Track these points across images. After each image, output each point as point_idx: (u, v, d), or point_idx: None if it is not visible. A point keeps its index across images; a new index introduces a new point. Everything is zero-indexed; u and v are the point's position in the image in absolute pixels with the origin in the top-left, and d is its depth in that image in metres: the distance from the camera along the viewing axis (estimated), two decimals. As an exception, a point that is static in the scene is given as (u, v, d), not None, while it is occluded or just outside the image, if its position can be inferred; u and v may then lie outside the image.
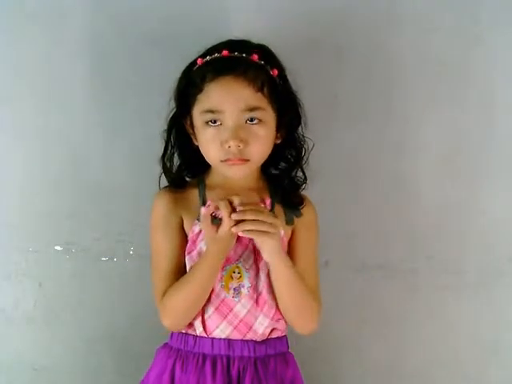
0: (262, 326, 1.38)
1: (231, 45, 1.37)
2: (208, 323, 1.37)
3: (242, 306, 1.37)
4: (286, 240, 1.42)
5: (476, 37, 1.71)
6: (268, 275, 1.38)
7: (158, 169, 1.45)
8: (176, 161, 1.46)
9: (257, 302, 1.38)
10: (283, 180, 1.46)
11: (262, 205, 1.40)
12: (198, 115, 1.37)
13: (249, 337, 1.38)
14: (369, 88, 1.72)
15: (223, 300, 1.37)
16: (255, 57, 1.35)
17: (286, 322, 1.42)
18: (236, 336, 1.37)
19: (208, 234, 1.31)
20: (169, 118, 1.44)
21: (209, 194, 1.42)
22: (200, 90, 1.35)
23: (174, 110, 1.44)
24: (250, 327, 1.38)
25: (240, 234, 1.28)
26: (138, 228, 1.68)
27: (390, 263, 1.74)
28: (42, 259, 1.72)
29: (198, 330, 1.38)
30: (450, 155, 1.74)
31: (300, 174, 1.47)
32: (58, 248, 1.72)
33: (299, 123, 1.44)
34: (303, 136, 1.46)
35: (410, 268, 1.74)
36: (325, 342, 1.71)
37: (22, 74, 1.70)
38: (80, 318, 1.73)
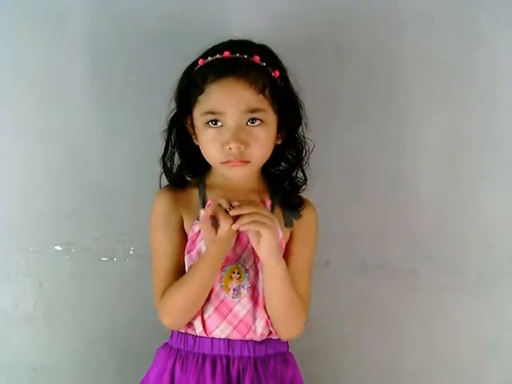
0: (261, 326, 1.38)
1: (233, 45, 1.36)
2: (208, 323, 1.37)
3: (241, 306, 1.37)
4: (284, 242, 1.41)
5: (476, 37, 1.71)
6: (266, 276, 1.38)
7: (158, 169, 1.45)
8: (176, 160, 1.46)
9: (256, 302, 1.38)
10: (283, 181, 1.46)
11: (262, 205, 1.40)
12: (198, 116, 1.36)
13: (248, 337, 1.38)
14: (369, 88, 1.72)
15: (223, 300, 1.37)
16: (257, 58, 1.34)
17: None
18: (236, 336, 1.37)
19: (208, 235, 1.31)
20: (169, 118, 1.44)
21: (209, 194, 1.42)
22: (201, 91, 1.34)
23: (175, 110, 1.43)
24: (250, 327, 1.37)
25: (240, 229, 1.28)
26: (137, 228, 1.68)
27: (390, 263, 1.74)
28: (42, 259, 1.72)
29: (198, 329, 1.38)
30: (450, 155, 1.74)
31: (300, 174, 1.46)
32: (57, 248, 1.72)
33: (300, 124, 1.44)
34: (304, 137, 1.46)
35: (409, 268, 1.74)
36: (325, 342, 1.71)
37: (22, 74, 1.70)
38: (80, 318, 1.73)
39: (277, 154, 1.44)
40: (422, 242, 1.74)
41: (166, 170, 1.44)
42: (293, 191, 1.46)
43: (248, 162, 1.35)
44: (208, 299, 1.36)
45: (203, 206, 1.39)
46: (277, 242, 1.32)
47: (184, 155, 1.46)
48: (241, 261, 1.38)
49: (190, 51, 1.39)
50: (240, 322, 1.37)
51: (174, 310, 1.37)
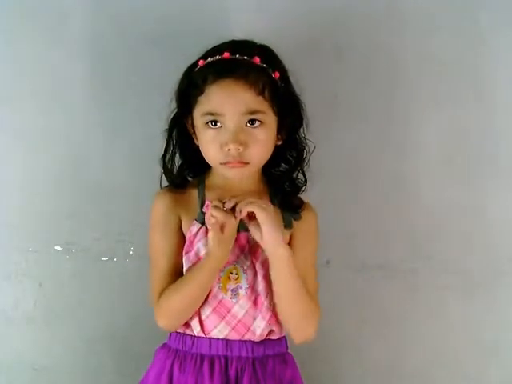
0: (259, 327, 1.38)
1: (233, 46, 1.36)
2: (206, 323, 1.37)
3: (239, 306, 1.37)
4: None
5: (476, 37, 1.71)
6: (265, 277, 1.37)
7: (158, 169, 1.45)
8: (177, 161, 1.46)
9: (255, 302, 1.37)
10: (284, 182, 1.45)
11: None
12: (198, 116, 1.36)
13: (247, 337, 1.38)
14: (369, 88, 1.72)
15: (221, 301, 1.37)
16: (257, 59, 1.34)
17: (281, 327, 1.41)
18: (234, 336, 1.37)
19: (215, 235, 1.30)
20: (170, 118, 1.44)
21: (208, 195, 1.42)
22: (201, 92, 1.34)
23: (176, 110, 1.43)
24: (248, 328, 1.37)
25: (243, 212, 1.29)
26: (137, 228, 1.68)
27: (390, 263, 1.74)
28: (42, 259, 1.72)
29: (196, 329, 1.37)
30: (450, 155, 1.74)
31: (301, 176, 1.46)
32: (57, 248, 1.72)
33: (301, 125, 1.44)
34: (304, 138, 1.45)
35: (409, 268, 1.74)
36: (325, 341, 1.70)
37: (22, 74, 1.70)
38: (80, 318, 1.73)
39: (277, 155, 1.43)
40: (422, 241, 1.74)
41: (166, 171, 1.44)
42: (293, 192, 1.46)
43: (247, 163, 1.35)
44: (206, 300, 1.36)
45: (202, 207, 1.39)
46: (278, 228, 1.32)
47: (185, 155, 1.46)
48: (239, 261, 1.38)
49: (190, 51, 1.39)
50: (239, 322, 1.37)
51: (170, 311, 1.37)
